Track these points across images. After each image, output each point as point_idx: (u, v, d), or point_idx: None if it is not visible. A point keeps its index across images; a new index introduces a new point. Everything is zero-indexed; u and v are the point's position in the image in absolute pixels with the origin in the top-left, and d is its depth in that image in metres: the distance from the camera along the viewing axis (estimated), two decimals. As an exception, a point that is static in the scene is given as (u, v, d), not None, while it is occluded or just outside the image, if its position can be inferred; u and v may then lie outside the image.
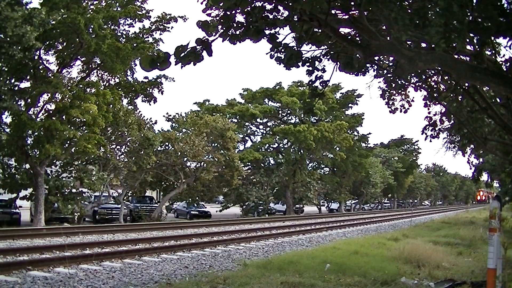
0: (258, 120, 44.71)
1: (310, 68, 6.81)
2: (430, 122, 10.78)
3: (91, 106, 20.76)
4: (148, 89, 25.77)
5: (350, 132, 48.35)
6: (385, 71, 8.86)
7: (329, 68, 6.93)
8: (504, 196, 20.18)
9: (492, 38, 6.33)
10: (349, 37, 6.56)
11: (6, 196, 23.69)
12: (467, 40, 4.73)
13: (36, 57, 20.79)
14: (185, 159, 31.09)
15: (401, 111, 10.30)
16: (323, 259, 10.56)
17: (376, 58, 7.96)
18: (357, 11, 5.93)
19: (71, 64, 22.90)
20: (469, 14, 4.64)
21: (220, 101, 71.19)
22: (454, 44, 4.53)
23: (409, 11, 4.81)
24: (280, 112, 45.60)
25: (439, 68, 8.08)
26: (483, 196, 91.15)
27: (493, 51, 7.60)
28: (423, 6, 4.62)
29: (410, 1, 5.24)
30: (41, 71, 21.41)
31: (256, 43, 5.86)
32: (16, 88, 21.24)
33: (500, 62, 7.66)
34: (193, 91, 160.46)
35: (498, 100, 9.37)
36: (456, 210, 58.39)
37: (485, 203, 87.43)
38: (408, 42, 6.51)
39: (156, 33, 23.87)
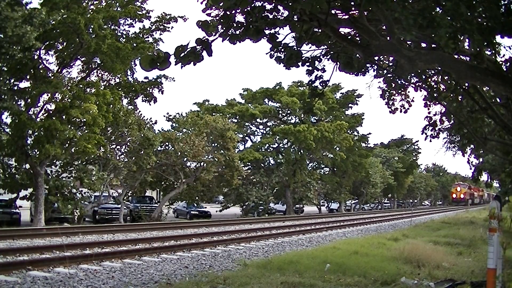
0: (258, 120, 44.70)
1: (310, 68, 6.81)
2: (430, 122, 10.78)
3: (91, 106, 20.75)
4: (148, 89, 25.77)
5: (350, 132, 48.34)
6: (385, 71, 8.87)
7: (329, 68, 6.94)
8: (504, 196, 20.21)
9: (495, 38, 6.33)
10: (349, 37, 6.57)
11: (6, 196, 23.70)
12: (476, 40, 4.74)
13: (36, 57, 20.77)
14: (185, 159, 31.06)
15: (401, 111, 10.30)
16: (323, 259, 10.56)
17: (376, 58, 7.96)
18: (357, 11, 5.94)
19: (71, 64, 22.88)
20: (470, 14, 4.64)
21: (220, 101, 71.24)
22: (460, 45, 4.54)
23: (412, 11, 4.81)
24: (280, 112, 45.59)
25: (439, 68, 8.08)
26: (461, 193, 71.64)
27: (493, 51, 7.60)
28: (427, 7, 4.62)
29: (412, 1, 5.24)
30: (41, 71, 21.39)
31: (256, 43, 5.87)
32: (16, 88, 21.23)
33: (500, 62, 7.66)
34: (193, 91, 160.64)
35: (498, 100, 9.37)
36: (456, 210, 58.29)
37: (467, 204, 69.98)
38: (408, 42, 6.51)
39: (156, 33, 23.90)
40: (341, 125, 42.22)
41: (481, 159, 17.87)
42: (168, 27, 23.63)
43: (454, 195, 74.24)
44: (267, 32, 5.76)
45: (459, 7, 4.30)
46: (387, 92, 10.11)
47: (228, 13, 5.30)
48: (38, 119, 21.21)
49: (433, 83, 9.94)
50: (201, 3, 5.56)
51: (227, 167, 32.87)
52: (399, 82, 9.41)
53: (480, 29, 4.77)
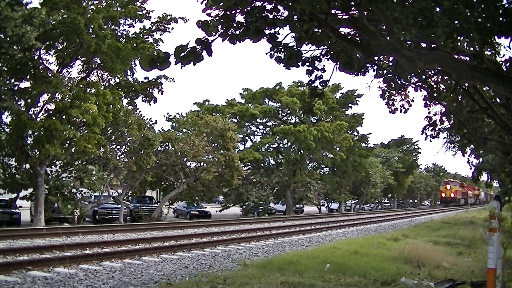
0: (258, 120, 44.68)
1: (310, 68, 6.81)
2: (430, 122, 10.80)
3: (91, 106, 20.76)
4: (148, 89, 25.78)
5: (350, 132, 48.35)
6: (385, 71, 8.87)
7: (329, 68, 6.93)
8: (504, 196, 20.20)
9: (493, 38, 6.34)
10: (349, 37, 6.56)
11: (6, 196, 23.71)
12: (474, 40, 4.76)
13: (36, 57, 20.78)
14: (185, 159, 31.07)
15: (401, 111, 10.31)
16: (323, 259, 10.56)
17: (376, 58, 7.96)
18: (357, 11, 5.94)
19: (71, 64, 22.90)
20: (469, 14, 4.65)
21: (220, 101, 71.23)
22: (458, 44, 4.55)
23: (412, 10, 4.81)
24: (280, 112, 45.59)
25: (439, 68, 8.08)
26: (451, 192, 63.16)
27: (493, 51, 7.61)
28: (427, 6, 4.63)
29: (412, 1, 5.25)
30: (41, 71, 21.40)
31: (256, 43, 5.87)
32: (16, 88, 21.24)
33: (500, 62, 7.67)
34: (193, 91, 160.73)
35: (498, 100, 9.39)
36: (456, 210, 58.31)
37: (458, 205, 62.90)
38: (408, 42, 6.51)
39: (156, 33, 23.92)
40: (341, 125, 42.23)
41: (481, 159, 17.89)
42: (169, 28, 23.66)
43: (443, 194, 65.17)
44: (267, 32, 5.76)
45: (458, 6, 4.31)
46: (387, 92, 10.12)
47: (228, 13, 5.30)
48: (38, 119, 21.22)
49: (433, 83, 9.95)
50: (201, 3, 5.56)
51: (227, 167, 32.87)
52: (399, 82, 9.42)
53: (478, 29, 4.79)
